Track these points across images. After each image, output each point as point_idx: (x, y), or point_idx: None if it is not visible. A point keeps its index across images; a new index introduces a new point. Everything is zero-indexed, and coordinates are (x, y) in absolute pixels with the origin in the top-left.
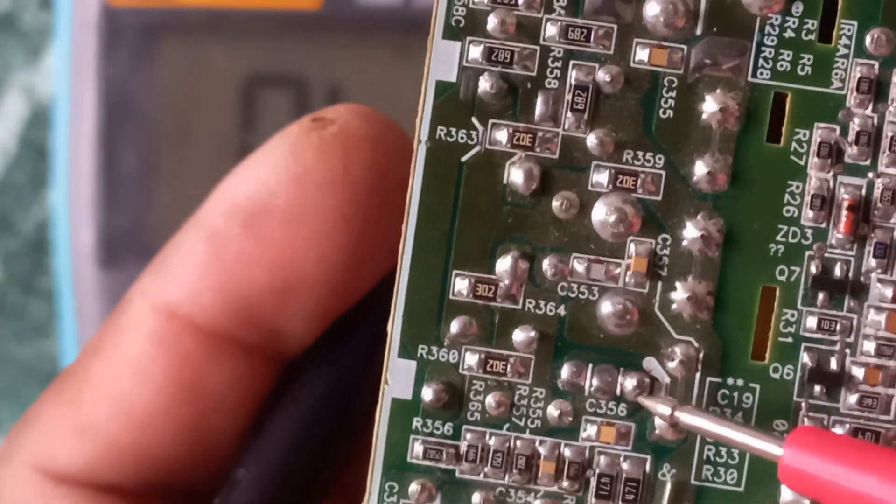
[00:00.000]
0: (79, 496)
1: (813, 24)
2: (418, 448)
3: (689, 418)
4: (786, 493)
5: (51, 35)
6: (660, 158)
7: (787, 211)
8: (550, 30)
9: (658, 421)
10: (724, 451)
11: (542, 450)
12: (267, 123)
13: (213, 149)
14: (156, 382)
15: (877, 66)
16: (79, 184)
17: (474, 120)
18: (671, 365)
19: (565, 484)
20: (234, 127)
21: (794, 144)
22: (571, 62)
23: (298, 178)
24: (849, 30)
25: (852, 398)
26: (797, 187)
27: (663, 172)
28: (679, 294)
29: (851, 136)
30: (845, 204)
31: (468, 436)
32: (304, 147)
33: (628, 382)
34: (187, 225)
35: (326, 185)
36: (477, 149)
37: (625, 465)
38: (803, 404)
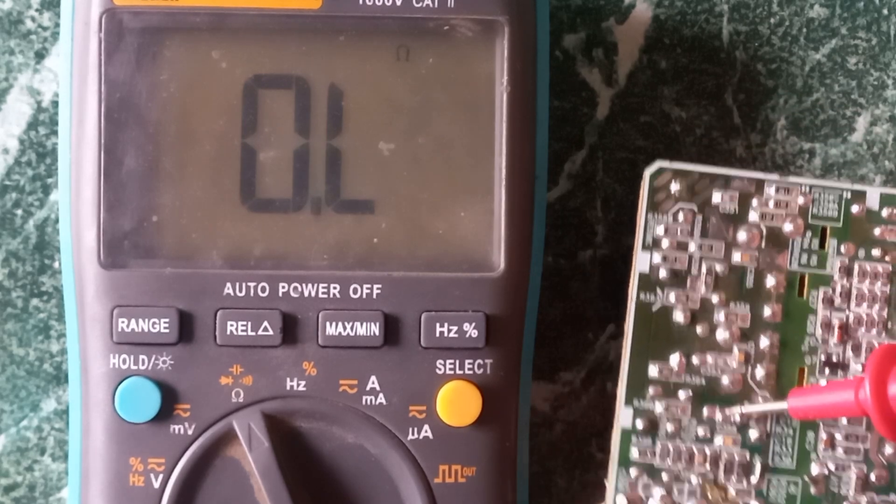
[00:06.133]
0: None
1: None
2: (634, 451)
3: (749, 409)
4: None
5: (53, 37)
6: None
7: None
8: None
9: (751, 435)
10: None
11: (695, 450)
12: (267, 124)
13: (214, 149)
14: None
15: None
16: (81, 184)
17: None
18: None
19: (707, 467)
20: (234, 127)
21: None
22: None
23: None
24: None
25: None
26: None
27: None
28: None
29: None
30: None
31: (658, 444)
32: None
33: (735, 417)
34: None
35: None
36: (658, 304)
37: (736, 457)
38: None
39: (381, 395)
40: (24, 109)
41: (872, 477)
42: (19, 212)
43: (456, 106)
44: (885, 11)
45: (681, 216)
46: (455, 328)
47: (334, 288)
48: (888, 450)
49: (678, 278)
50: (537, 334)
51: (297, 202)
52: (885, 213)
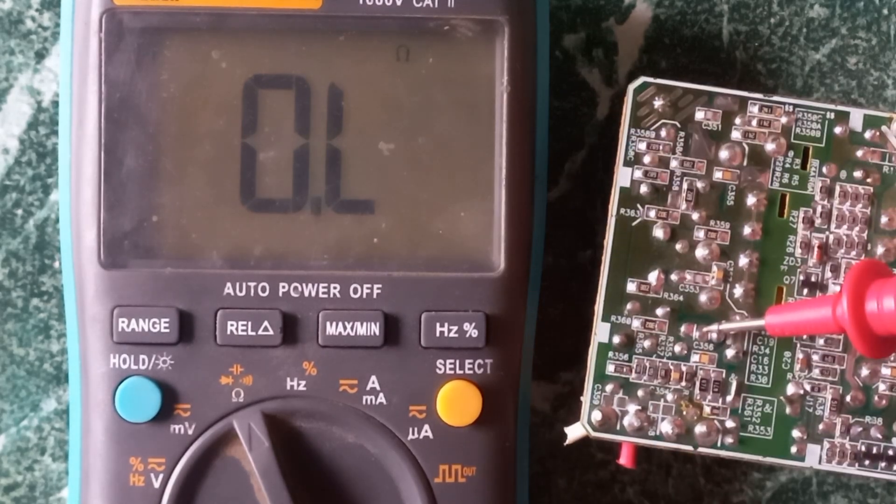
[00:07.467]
0: None
1: None
2: (610, 366)
3: (726, 326)
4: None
5: (53, 37)
6: None
7: None
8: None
9: (728, 353)
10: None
11: (671, 367)
12: (267, 124)
13: (214, 149)
14: None
15: None
16: (81, 184)
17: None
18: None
19: (683, 384)
20: (234, 127)
21: None
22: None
23: None
24: None
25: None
26: None
27: None
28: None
29: None
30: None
31: (635, 360)
32: None
33: (712, 334)
34: None
35: None
36: (638, 220)
37: (712, 375)
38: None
39: (381, 394)
40: (24, 109)
41: (848, 398)
42: (19, 212)
43: (456, 106)
44: (885, 11)
45: (663, 132)
46: (455, 328)
47: (334, 288)
48: (864, 371)
49: (659, 194)
50: (537, 334)
51: (297, 202)
52: (867, 134)
